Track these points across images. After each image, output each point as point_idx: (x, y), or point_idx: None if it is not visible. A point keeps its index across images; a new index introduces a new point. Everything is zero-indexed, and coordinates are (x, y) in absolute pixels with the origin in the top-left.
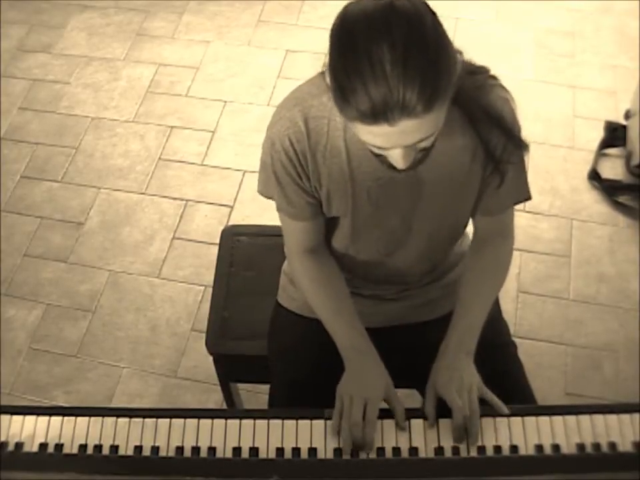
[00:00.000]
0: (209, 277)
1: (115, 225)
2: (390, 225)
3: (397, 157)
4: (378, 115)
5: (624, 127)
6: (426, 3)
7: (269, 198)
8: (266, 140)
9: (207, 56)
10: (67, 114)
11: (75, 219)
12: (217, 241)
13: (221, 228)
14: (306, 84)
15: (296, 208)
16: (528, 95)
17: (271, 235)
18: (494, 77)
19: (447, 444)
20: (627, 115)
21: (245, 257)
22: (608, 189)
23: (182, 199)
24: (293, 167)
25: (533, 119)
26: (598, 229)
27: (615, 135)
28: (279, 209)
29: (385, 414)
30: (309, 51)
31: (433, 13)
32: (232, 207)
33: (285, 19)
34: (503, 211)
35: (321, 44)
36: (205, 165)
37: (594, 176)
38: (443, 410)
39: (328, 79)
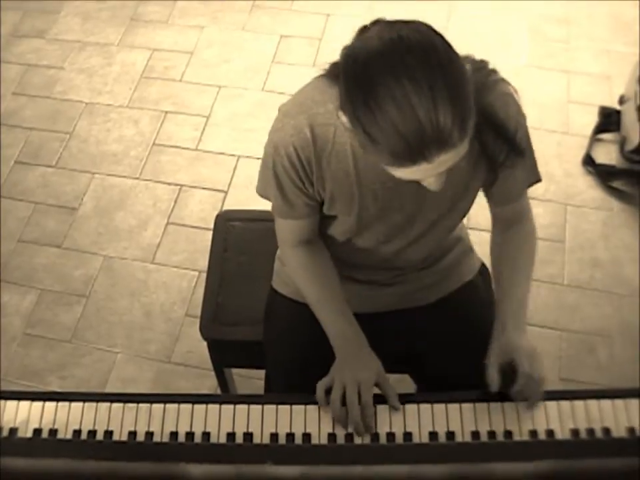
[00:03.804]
0: (203, 262)
1: (109, 210)
2: (394, 221)
3: (431, 183)
4: (415, 155)
5: (618, 112)
6: (429, 26)
7: (267, 199)
8: (268, 144)
9: (201, 41)
10: (60, 99)
11: (69, 204)
12: (211, 226)
13: (215, 213)
14: (309, 88)
15: (293, 208)
16: (522, 81)
17: (265, 220)
18: (494, 71)
19: (441, 429)
20: (622, 100)
21: (239, 242)
22: (602, 174)
23: (176, 184)
24: (296, 173)
25: (528, 105)
26: (592, 214)
27: (609, 120)
28: (274, 211)
29: (378, 399)
30: (303, 36)
31: (438, 34)
32: (226, 192)
33: (279, 4)
34: (518, 198)
35: (315, 29)
36: (199, 150)
37: (588, 161)
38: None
39: (345, 120)
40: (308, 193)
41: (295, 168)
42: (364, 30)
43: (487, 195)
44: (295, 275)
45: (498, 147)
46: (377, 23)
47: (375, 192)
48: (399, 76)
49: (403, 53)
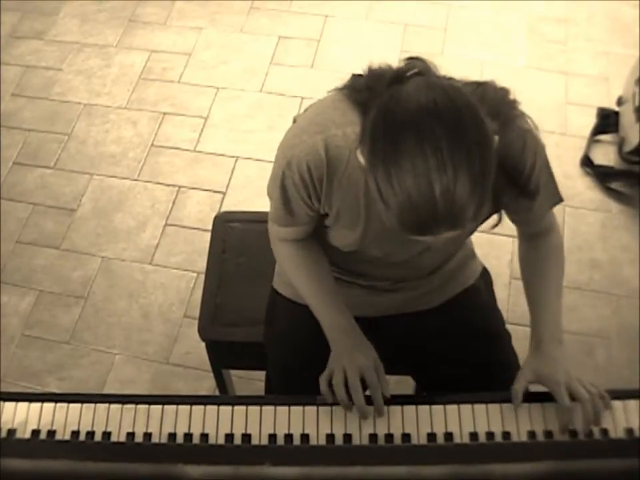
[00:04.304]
0: (202, 263)
1: (108, 212)
2: (399, 239)
3: (433, 243)
4: (422, 229)
5: (616, 113)
6: (465, 97)
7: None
8: (281, 157)
9: (200, 42)
10: (59, 100)
11: (67, 205)
12: (210, 227)
13: (214, 214)
14: (328, 107)
15: (294, 218)
16: (520, 82)
17: (263, 222)
18: (515, 104)
19: (439, 430)
20: (620, 102)
21: (237, 243)
22: (600, 175)
23: (174, 186)
24: (305, 189)
25: (525, 106)
26: (590, 215)
27: (607, 122)
28: (273, 219)
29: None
30: (301, 38)
31: (473, 105)
32: (224, 193)
33: (278, 5)
34: (541, 220)
35: (314, 30)
36: (197, 152)
37: (586, 162)
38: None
39: (362, 160)
40: (313, 207)
41: (306, 184)
42: (401, 77)
43: (508, 216)
44: (286, 268)
45: (504, 189)
46: (417, 75)
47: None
48: (425, 149)
49: (434, 126)
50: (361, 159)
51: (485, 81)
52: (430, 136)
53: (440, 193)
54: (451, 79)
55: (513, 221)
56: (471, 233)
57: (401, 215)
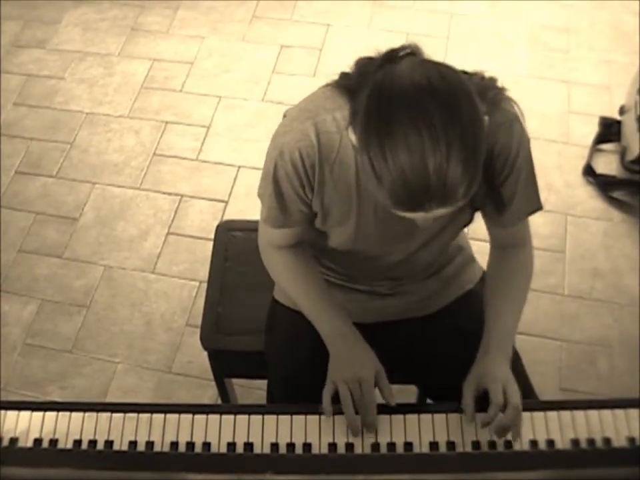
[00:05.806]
0: (204, 272)
1: (110, 220)
2: (393, 232)
3: (422, 223)
4: (414, 205)
5: (618, 122)
6: (457, 72)
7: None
8: (272, 148)
9: (202, 51)
10: (61, 109)
11: (69, 214)
12: (212, 236)
13: (216, 223)
14: (318, 97)
15: (288, 216)
16: (522, 91)
17: None
18: (502, 90)
19: (442, 439)
20: (622, 111)
21: (239, 252)
22: (602, 184)
23: (176, 194)
24: (298, 179)
25: (527, 114)
26: (592, 224)
27: (609, 131)
28: (266, 220)
29: (379, 409)
30: (303, 46)
31: (465, 83)
32: (226, 202)
33: (280, 14)
34: (515, 224)
35: (316, 39)
36: (199, 160)
37: (588, 171)
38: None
39: (354, 139)
40: (306, 200)
41: (298, 174)
42: (393, 57)
43: (482, 215)
44: (280, 276)
45: (484, 181)
46: (409, 55)
47: (376, 206)
48: (419, 125)
49: (428, 103)
50: (353, 138)
51: (474, 71)
52: (424, 113)
53: (433, 169)
54: (442, 64)
55: (484, 216)
56: (468, 219)
57: (394, 190)
